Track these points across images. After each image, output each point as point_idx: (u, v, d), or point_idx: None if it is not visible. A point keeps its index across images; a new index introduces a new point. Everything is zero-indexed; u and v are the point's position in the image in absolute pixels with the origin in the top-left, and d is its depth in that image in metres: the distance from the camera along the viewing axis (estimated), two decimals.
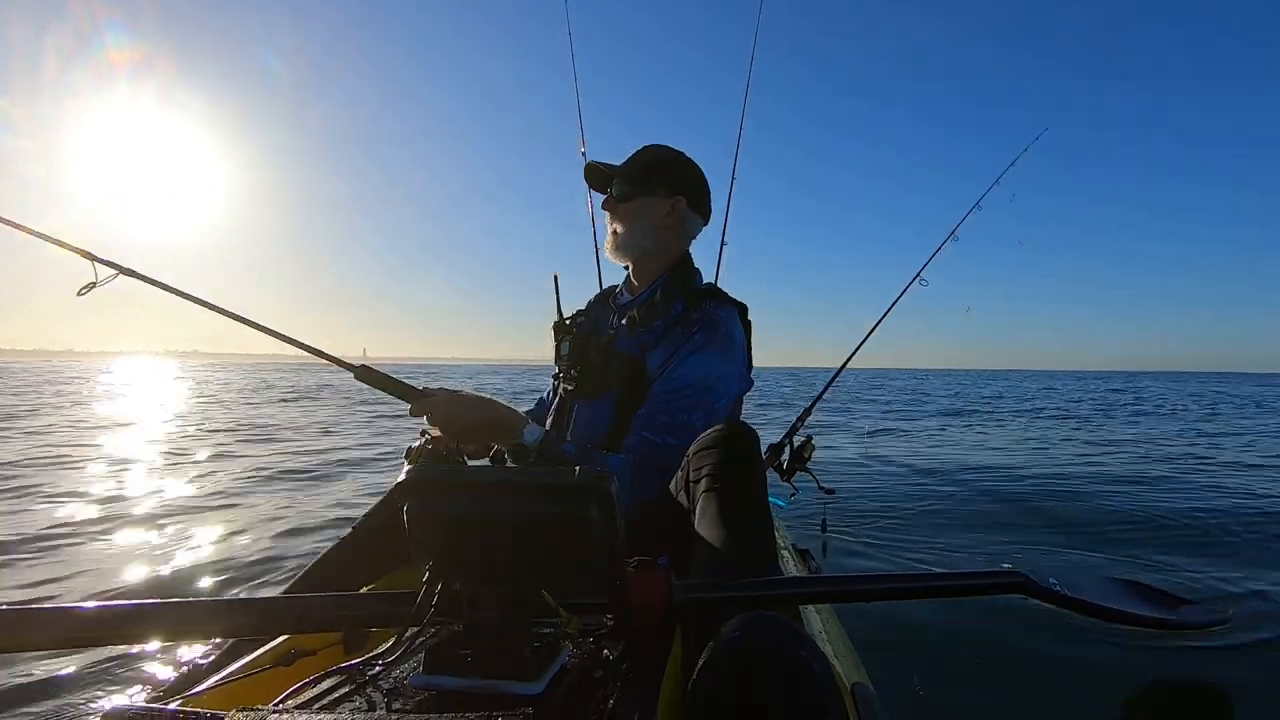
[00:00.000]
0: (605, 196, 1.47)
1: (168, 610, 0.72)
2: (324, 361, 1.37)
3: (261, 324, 1.42)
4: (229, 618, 0.75)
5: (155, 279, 1.42)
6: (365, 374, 1.27)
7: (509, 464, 1.22)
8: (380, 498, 1.37)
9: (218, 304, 1.43)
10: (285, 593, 1.27)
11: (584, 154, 2.41)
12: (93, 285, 1.36)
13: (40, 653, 1.67)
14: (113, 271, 1.38)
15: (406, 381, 1.26)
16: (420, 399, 1.20)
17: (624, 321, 1.41)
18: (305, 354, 1.38)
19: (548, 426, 1.43)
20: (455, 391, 1.22)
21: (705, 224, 1.51)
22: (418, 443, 1.29)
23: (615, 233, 1.44)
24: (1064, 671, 1.50)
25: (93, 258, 1.36)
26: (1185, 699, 1.39)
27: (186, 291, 1.43)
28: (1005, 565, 0.94)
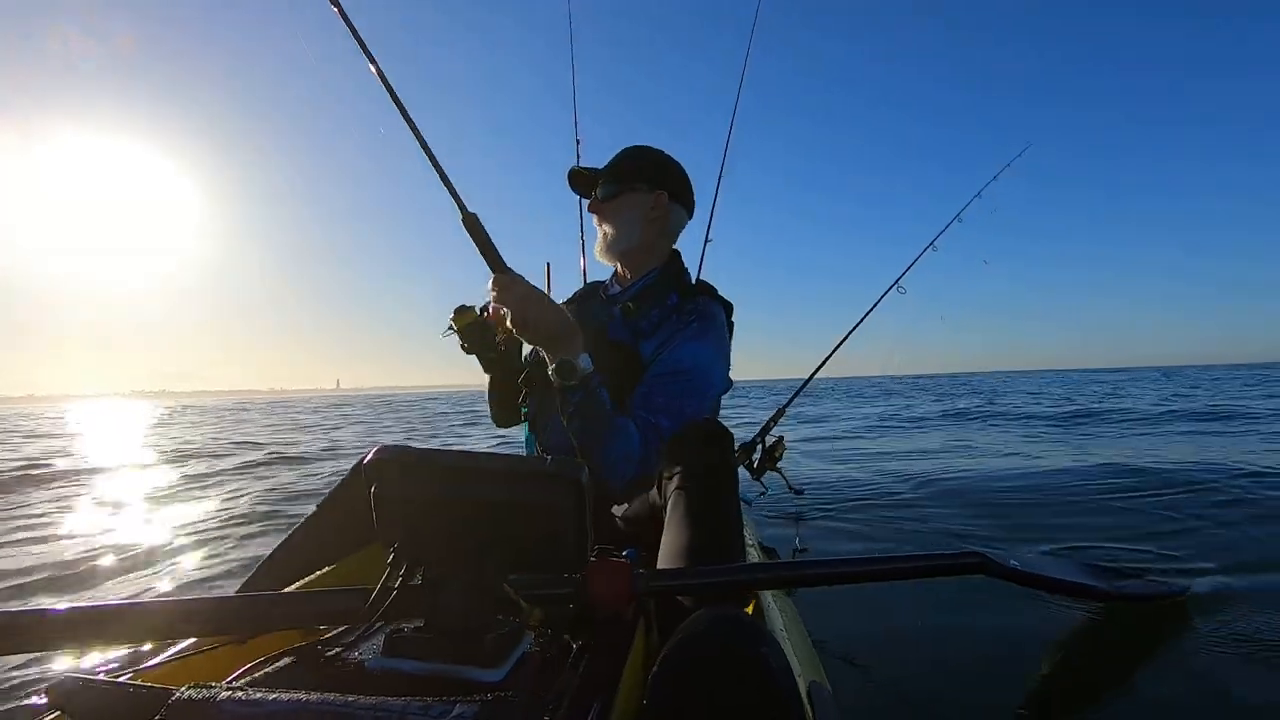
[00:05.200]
0: (590, 200, 1.48)
1: (109, 613, 0.70)
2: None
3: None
4: (175, 619, 0.72)
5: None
6: (471, 223, 1.16)
7: (550, 376, 1.17)
8: (345, 476, 1.36)
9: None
10: (254, 574, 1.25)
11: (578, 141, 2.39)
12: None
13: None
14: None
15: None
16: (506, 273, 1.14)
17: (618, 310, 1.42)
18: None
19: (536, 414, 1.42)
20: (533, 287, 1.15)
21: (690, 218, 1.53)
22: (472, 304, 1.28)
23: (605, 234, 1.46)
24: (1022, 659, 1.51)
25: None
26: (1146, 673, 1.41)
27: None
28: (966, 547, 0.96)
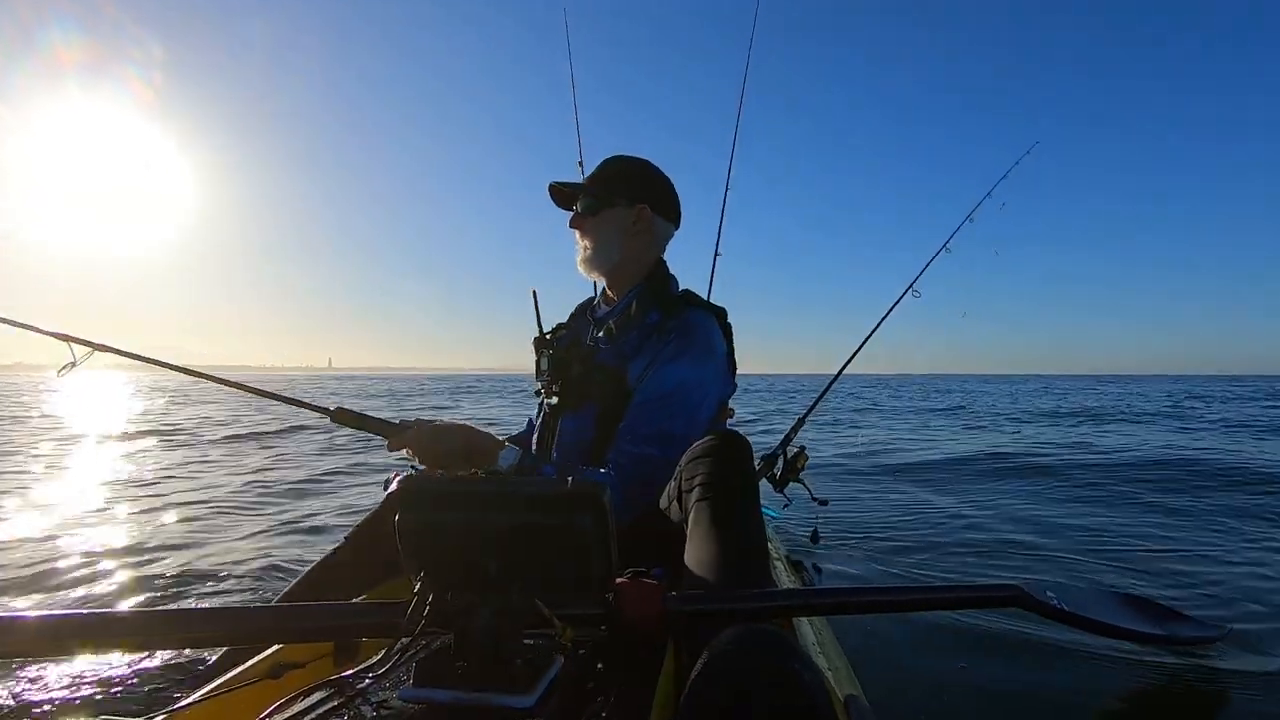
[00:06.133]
0: (571, 214, 1.46)
1: (152, 619, 0.72)
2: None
3: (231, 380, 1.55)
4: (215, 626, 0.74)
5: (129, 351, 1.51)
6: (341, 416, 1.29)
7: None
8: (370, 510, 1.37)
9: (186, 365, 1.59)
10: (281, 600, 1.26)
11: (580, 165, 2.41)
12: (72, 365, 1.43)
13: (18, 662, 1.65)
14: (88, 350, 1.44)
15: (380, 417, 1.31)
16: (397, 434, 1.24)
17: (601, 334, 1.41)
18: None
19: (534, 442, 1.42)
20: (430, 422, 1.24)
21: (676, 228, 1.50)
22: (401, 476, 1.32)
23: (584, 248, 1.43)
24: (1060, 686, 1.49)
25: (69, 339, 1.43)
26: (1183, 714, 1.38)
27: (157, 359, 1.56)
28: (1002, 579, 0.94)
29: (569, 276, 1.54)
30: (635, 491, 1.18)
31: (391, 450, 1.24)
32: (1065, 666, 1.57)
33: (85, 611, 0.72)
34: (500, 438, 1.30)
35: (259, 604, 0.89)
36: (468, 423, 1.27)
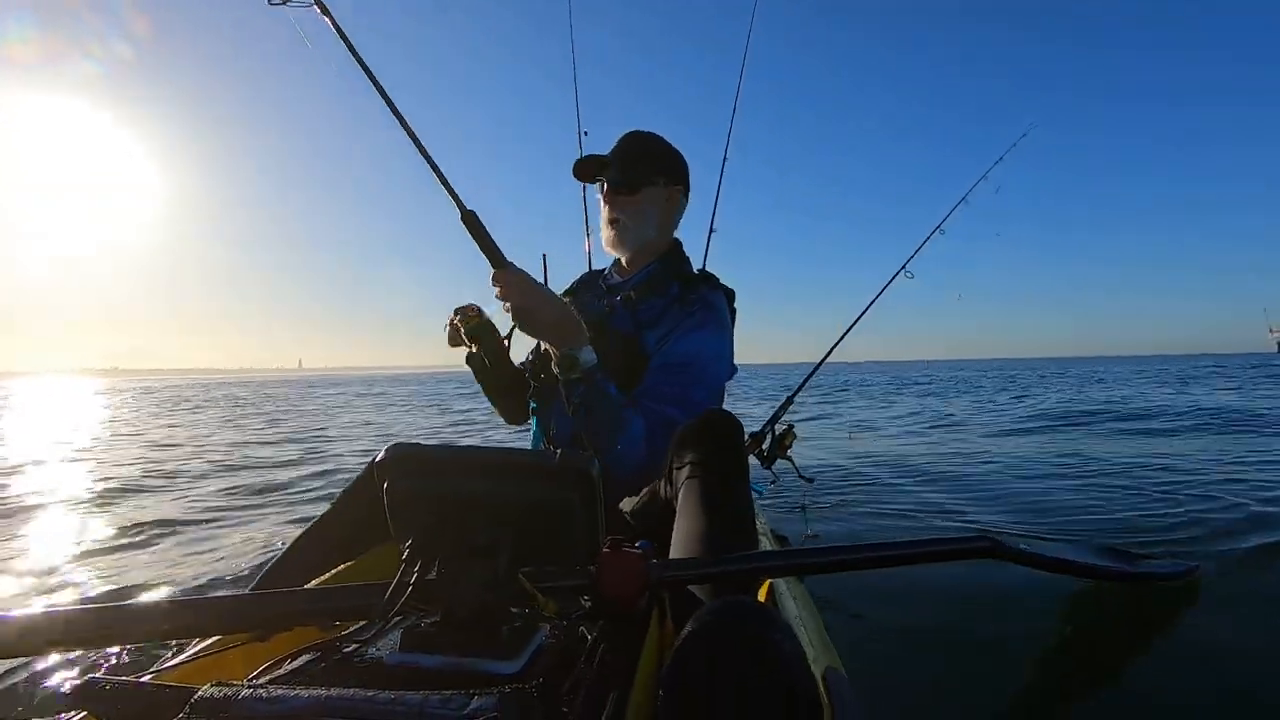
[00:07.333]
0: (604, 185, 1.44)
1: (127, 612, 0.69)
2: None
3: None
4: (191, 618, 0.72)
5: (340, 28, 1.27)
6: (470, 220, 1.16)
7: (554, 369, 1.17)
8: (359, 473, 1.36)
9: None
10: (266, 573, 1.26)
11: (584, 133, 2.35)
12: (286, 1, 1.25)
13: None
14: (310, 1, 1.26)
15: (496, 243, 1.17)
16: (507, 269, 1.14)
17: (619, 299, 1.41)
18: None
19: (542, 407, 1.42)
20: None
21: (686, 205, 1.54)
22: (471, 303, 1.23)
23: (616, 221, 1.41)
24: (1034, 642, 1.52)
25: None
26: (1159, 653, 1.40)
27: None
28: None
29: (571, 261, 1.52)
30: (657, 448, 1.18)
31: (493, 283, 1.14)
32: (1036, 619, 1.58)
33: (60, 609, 0.69)
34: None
35: (235, 593, 0.83)
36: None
